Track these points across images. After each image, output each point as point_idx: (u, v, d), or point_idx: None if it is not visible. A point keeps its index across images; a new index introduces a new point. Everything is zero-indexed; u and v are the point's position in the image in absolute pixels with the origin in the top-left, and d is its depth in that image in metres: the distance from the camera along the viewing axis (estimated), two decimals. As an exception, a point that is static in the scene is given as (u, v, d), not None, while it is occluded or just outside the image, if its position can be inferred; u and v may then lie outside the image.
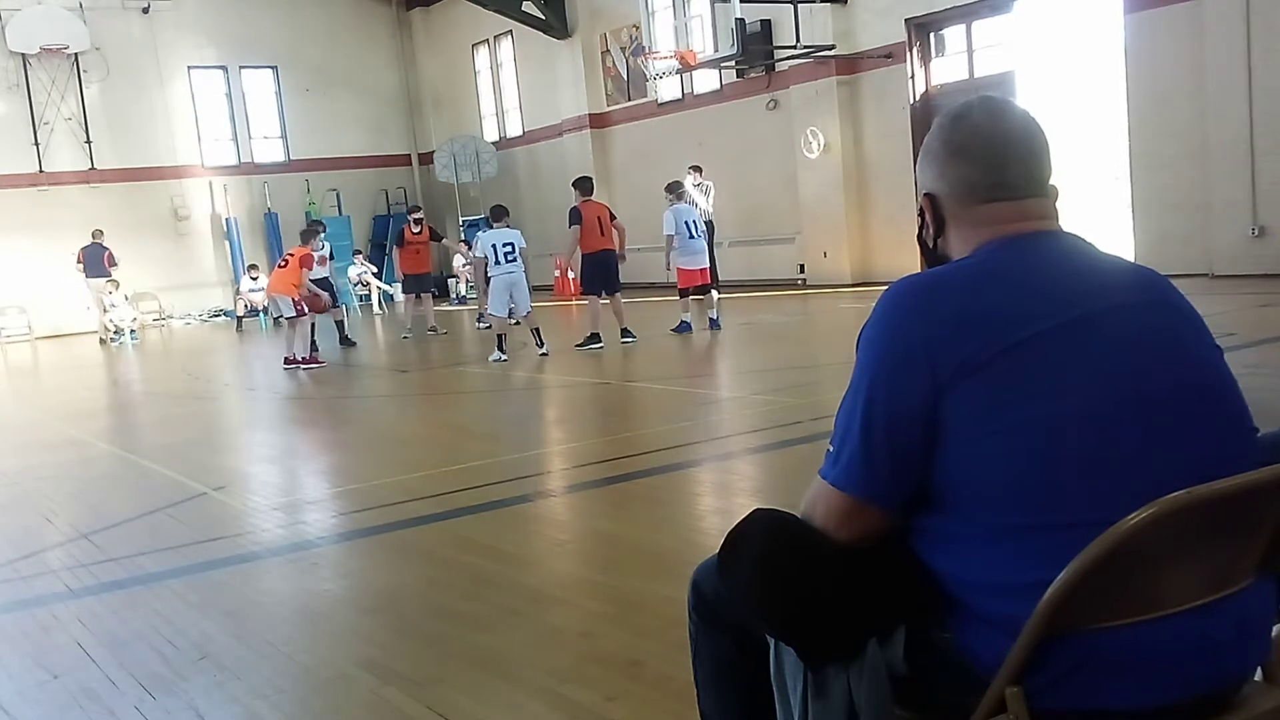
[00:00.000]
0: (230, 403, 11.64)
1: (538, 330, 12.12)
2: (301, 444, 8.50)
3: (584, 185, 12.79)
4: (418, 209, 17.11)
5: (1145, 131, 13.41)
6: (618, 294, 12.67)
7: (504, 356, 11.72)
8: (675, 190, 13.18)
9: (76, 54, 22.34)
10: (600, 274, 12.48)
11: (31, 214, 21.93)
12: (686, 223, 12.74)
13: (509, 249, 12.12)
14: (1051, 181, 1.80)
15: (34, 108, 22.30)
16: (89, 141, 22.76)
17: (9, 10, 21.76)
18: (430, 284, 16.47)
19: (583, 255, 12.63)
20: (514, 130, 24.74)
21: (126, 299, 20.12)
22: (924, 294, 1.68)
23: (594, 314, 12.36)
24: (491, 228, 12.83)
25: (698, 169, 17.11)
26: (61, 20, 22.00)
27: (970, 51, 15.86)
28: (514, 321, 12.67)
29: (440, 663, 3.47)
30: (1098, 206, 14.60)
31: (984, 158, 1.76)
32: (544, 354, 11.88)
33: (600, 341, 12.05)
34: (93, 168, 22.81)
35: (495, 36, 24.36)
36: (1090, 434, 1.57)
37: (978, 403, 1.59)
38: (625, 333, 12.49)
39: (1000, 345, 1.59)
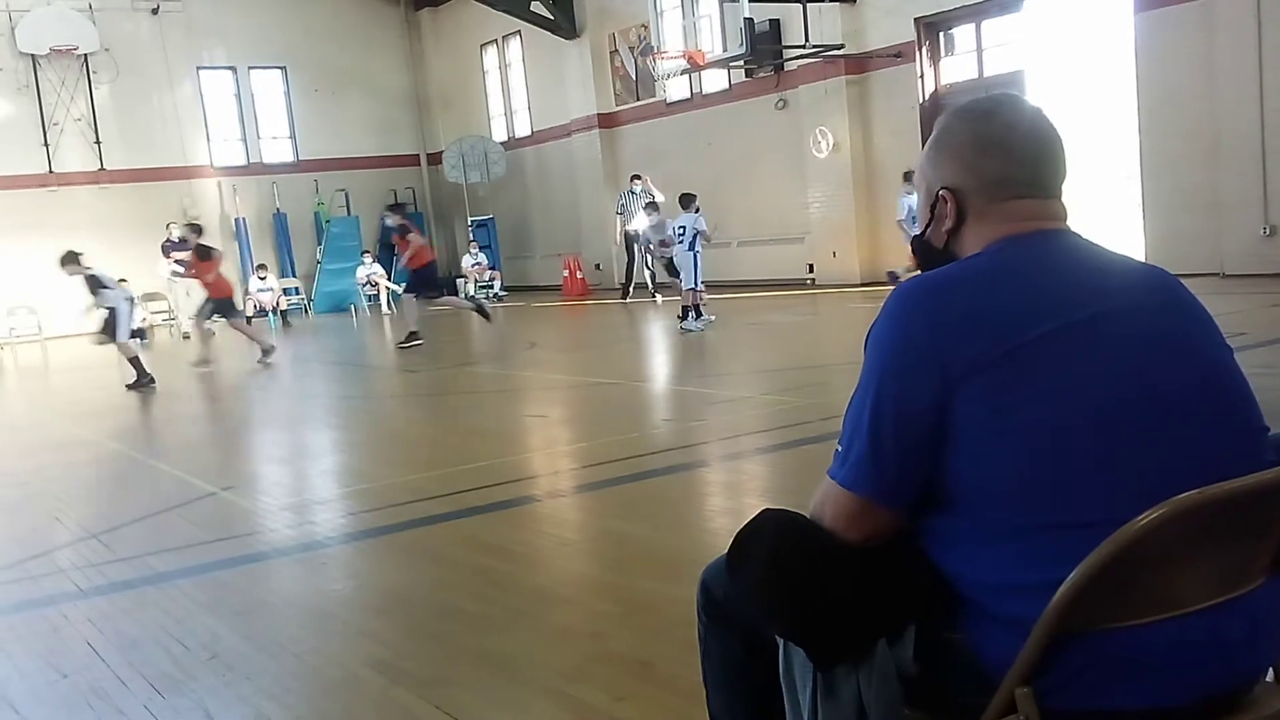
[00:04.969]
0: (239, 403, 11.65)
1: (688, 308, 13.23)
2: (310, 444, 8.51)
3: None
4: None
5: (1156, 130, 13.37)
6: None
7: (698, 325, 13.06)
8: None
9: (86, 55, 22.40)
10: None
11: (41, 215, 21.96)
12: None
13: (681, 232, 13.65)
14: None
15: (44, 108, 22.35)
16: (98, 142, 22.81)
17: (19, 11, 21.82)
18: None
19: None
20: (522, 130, 24.74)
21: (135, 300, 20.16)
22: (933, 293, 1.68)
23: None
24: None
25: (638, 177, 18.20)
26: (71, 21, 22.06)
27: (980, 50, 15.82)
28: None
29: (449, 663, 3.47)
30: (1108, 206, 14.56)
31: (1015, 154, 1.75)
32: (709, 320, 13.20)
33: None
34: (102, 168, 22.87)
35: (504, 37, 24.36)
36: (1099, 434, 1.57)
37: (987, 402, 1.58)
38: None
39: (1009, 345, 1.59)
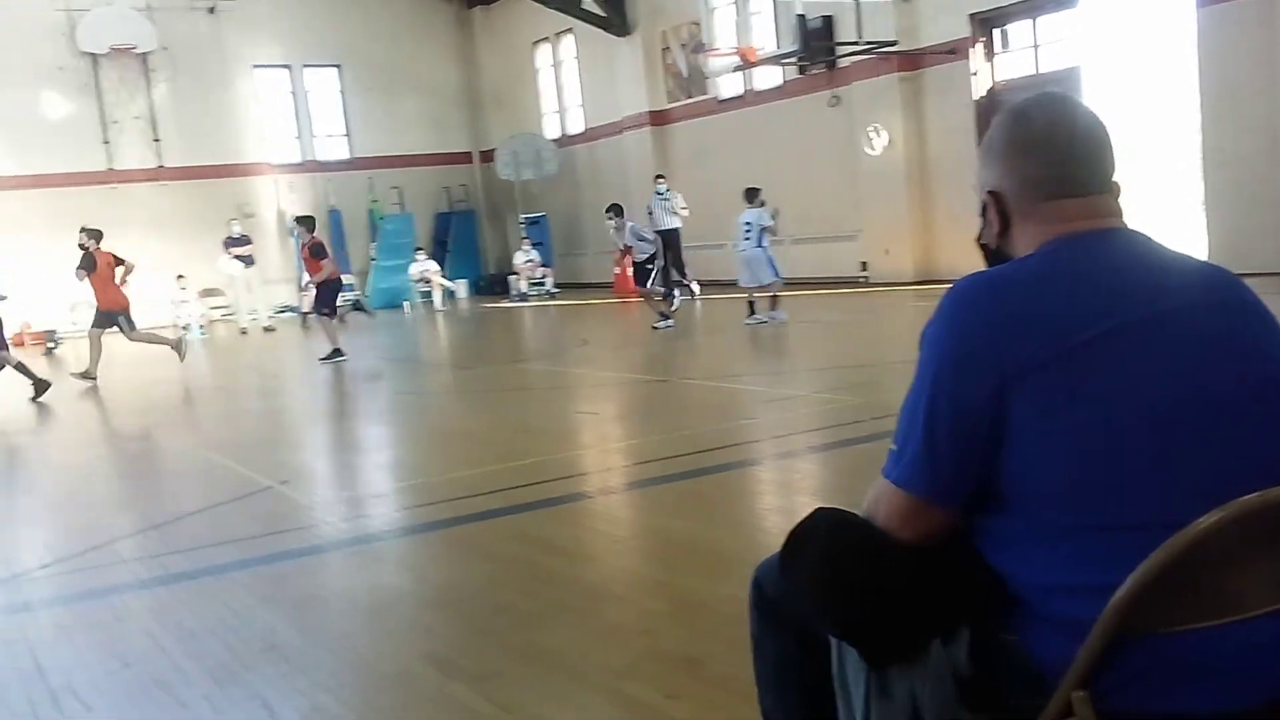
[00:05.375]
0: (295, 398, 11.79)
1: (752, 304, 13.29)
2: (365, 439, 8.60)
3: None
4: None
5: (1217, 127, 13.16)
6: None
7: (761, 319, 13.13)
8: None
9: (145, 54, 22.73)
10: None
11: (102, 212, 22.22)
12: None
13: (747, 228, 13.35)
14: (1114, 178, 1.78)
15: (104, 107, 22.72)
16: (157, 140, 23.14)
17: (79, 11, 22.20)
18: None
19: None
20: (574, 128, 24.80)
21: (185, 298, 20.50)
22: (988, 292, 1.67)
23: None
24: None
25: (661, 177, 18.32)
26: (130, 20, 22.39)
27: (1035, 46, 15.63)
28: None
29: (501, 658, 3.50)
30: (1168, 203, 14.35)
31: (1048, 154, 1.74)
32: (761, 321, 13.09)
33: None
34: (161, 166, 23.20)
35: (556, 34, 24.42)
36: (1151, 435, 1.56)
37: (1041, 402, 1.58)
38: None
39: (1065, 344, 1.58)
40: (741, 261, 13.53)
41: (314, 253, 13.76)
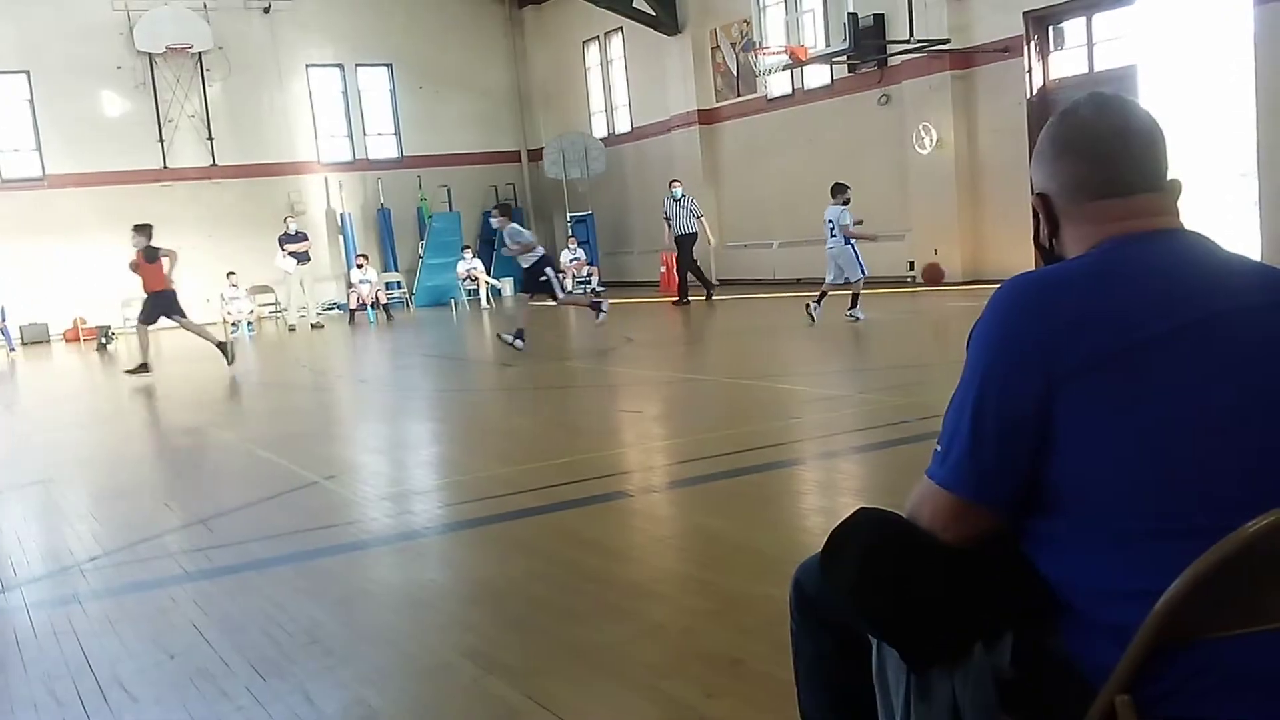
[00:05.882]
0: (341, 394, 11.88)
1: (855, 296, 13.18)
2: (409, 436, 8.64)
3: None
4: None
5: (1274, 126, 12.92)
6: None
7: (860, 314, 13.09)
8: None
9: (200, 53, 23.03)
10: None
11: (156, 209, 22.55)
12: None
13: (830, 225, 13.23)
14: (1173, 177, 1.75)
15: (159, 106, 23.03)
16: (211, 138, 23.42)
17: (137, 11, 22.52)
18: None
19: None
20: (623, 127, 24.82)
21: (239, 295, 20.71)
22: (1038, 292, 1.65)
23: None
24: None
25: (677, 181, 18.49)
26: (186, 20, 22.71)
27: (1090, 45, 15.45)
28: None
29: (541, 654, 3.50)
30: (1223, 204, 14.13)
31: (1091, 154, 1.73)
32: (853, 319, 12.94)
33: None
34: (214, 164, 23.47)
35: (605, 33, 24.47)
36: (1212, 437, 1.53)
37: (1092, 405, 1.55)
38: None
39: (1117, 346, 1.55)
40: (829, 258, 13.42)
41: (150, 256, 13.50)
